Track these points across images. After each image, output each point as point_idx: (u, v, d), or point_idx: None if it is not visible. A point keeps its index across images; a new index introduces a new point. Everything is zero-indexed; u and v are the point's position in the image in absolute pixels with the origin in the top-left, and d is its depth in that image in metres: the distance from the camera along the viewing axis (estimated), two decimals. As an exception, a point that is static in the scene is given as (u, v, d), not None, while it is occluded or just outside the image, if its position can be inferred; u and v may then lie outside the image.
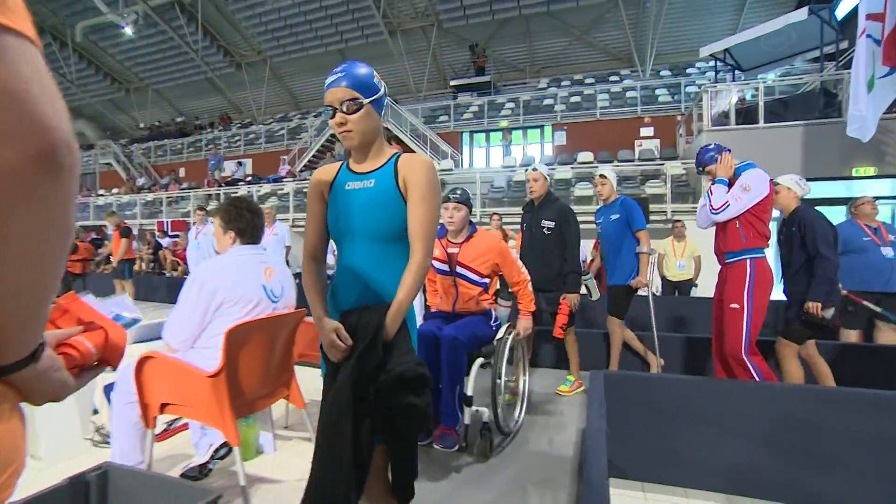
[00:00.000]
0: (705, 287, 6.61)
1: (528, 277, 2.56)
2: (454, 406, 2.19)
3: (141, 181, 16.54)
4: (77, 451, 2.31)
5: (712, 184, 2.86)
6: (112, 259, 7.02)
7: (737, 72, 9.44)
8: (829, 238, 2.69)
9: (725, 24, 13.58)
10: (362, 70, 1.27)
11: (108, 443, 2.31)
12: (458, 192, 2.45)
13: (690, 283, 5.98)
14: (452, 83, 15.52)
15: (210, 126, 19.62)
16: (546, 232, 3.18)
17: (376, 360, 1.17)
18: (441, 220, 2.40)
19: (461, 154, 13.86)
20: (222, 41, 17.95)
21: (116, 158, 18.09)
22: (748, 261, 2.66)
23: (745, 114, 7.71)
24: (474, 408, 2.27)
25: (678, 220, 6.07)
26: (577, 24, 14.71)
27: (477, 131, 14.09)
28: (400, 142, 12.91)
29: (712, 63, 9.85)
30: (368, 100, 1.24)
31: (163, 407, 1.85)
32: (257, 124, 17.98)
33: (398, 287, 1.23)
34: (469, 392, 2.23)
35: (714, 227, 2.89)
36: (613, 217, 3.31)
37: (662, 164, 8.37)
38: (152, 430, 1.88)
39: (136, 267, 7.88)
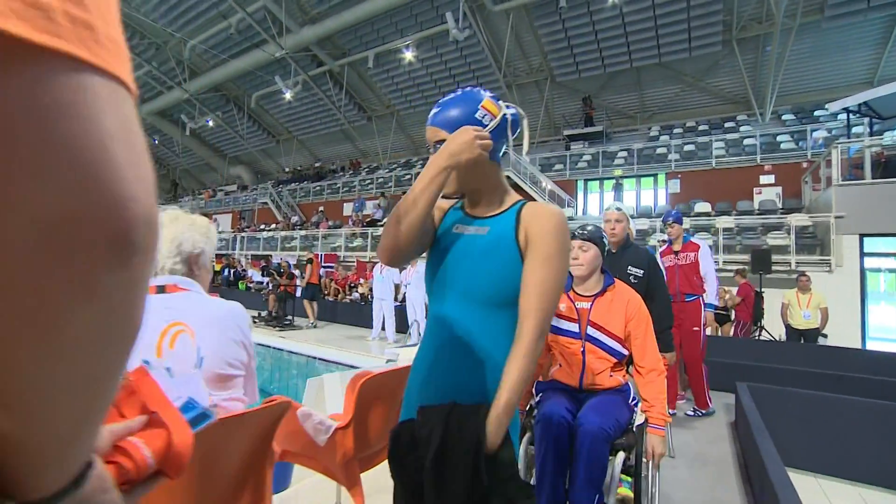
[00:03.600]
0: (835, 337, 6.73)
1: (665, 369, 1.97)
2: None
3: (294, 218, 19.82)
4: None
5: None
6: (303, 283, 9.21)
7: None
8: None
9: (864, 61, 13.03)
10: (456, 111, 1.03)
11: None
12: (590, 227, 2.04)
13: (817, 332, 6.24)
14: (565, 133, 16.66)
15: (342, 170, 22.86)
16: (633, 280, 2.82)
17: (481, 491, 0.88)
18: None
19: (576, 201, 14.76)
20: (359, 99, 21.14)
21: (271, 198, 21.90)
22: (700, 298, 3.97)
23: (884, 166, 7.44)
24: None
25: (804, 275, 6.34)
26: (690, 71, 15.05)
27: (591, 179, 14.95)
28: (519, 189, 14.28)
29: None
30: None
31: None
32: (382, 168, 20.65)
33: (501, 379, 0.94)
34: (611, 503, 1.71)
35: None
36: None
37: (785, 218, 8.53)
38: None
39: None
